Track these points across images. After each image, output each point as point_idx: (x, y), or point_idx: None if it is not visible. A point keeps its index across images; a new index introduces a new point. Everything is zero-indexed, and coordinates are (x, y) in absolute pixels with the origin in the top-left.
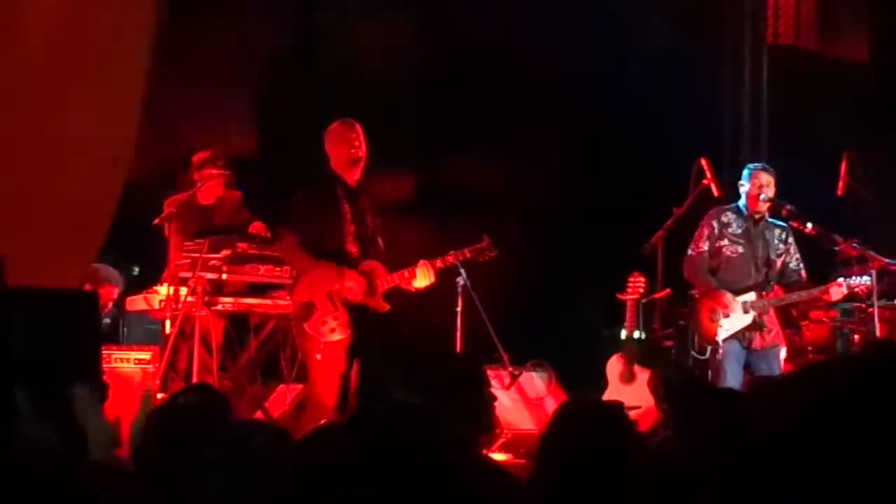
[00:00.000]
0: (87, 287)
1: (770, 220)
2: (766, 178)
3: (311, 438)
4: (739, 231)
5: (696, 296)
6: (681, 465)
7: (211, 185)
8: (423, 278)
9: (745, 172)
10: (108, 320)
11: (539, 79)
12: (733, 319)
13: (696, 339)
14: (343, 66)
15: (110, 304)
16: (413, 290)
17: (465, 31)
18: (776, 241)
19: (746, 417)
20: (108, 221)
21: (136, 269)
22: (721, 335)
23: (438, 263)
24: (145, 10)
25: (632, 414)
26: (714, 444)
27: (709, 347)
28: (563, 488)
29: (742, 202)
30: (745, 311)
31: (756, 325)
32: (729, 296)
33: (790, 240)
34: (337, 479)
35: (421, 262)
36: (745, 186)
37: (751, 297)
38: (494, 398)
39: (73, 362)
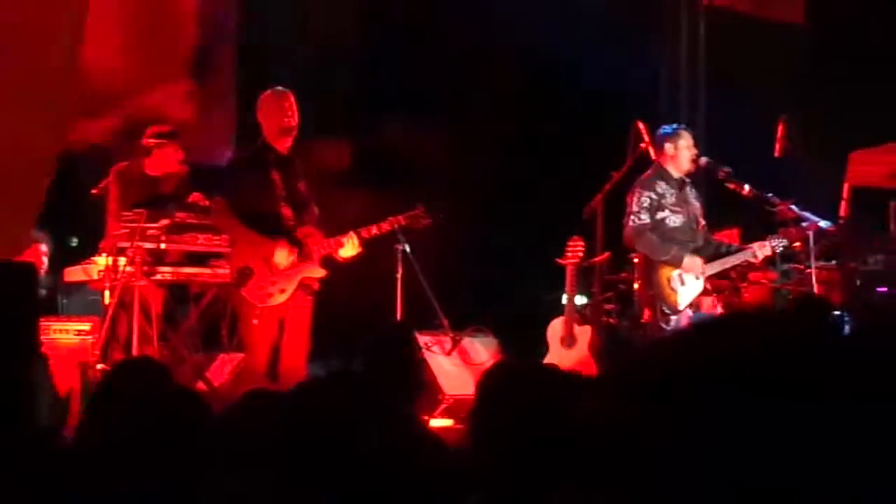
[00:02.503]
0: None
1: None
2: (692, 139)
3: (242, 406)
4: (674, 199)
5: (654, 265)
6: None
7: (164, 159)
8: (350, 248)
9: (667, 135)
10: (43, 291)
11: (476, 47)
12: (689, 287)
13: (658, 308)
14: (282, 33)
15: (45, 262)
16: (340, 259)
17: None
18: (695, 202)
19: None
20: (43, 192)
21: (75, 241)
22: (682, 303)
23: (373, 230)
24: None
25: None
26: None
27: (673, 317)
28: (495, 452)
29: (668, 166)
30: (696, 278)
31: (705, 290)
32: (698, 260)
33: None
34: (270, 449)
35: (350, 232)
36: (671, 149)
37: (698, 262)
38: (424, 363)
39: (10, 335)
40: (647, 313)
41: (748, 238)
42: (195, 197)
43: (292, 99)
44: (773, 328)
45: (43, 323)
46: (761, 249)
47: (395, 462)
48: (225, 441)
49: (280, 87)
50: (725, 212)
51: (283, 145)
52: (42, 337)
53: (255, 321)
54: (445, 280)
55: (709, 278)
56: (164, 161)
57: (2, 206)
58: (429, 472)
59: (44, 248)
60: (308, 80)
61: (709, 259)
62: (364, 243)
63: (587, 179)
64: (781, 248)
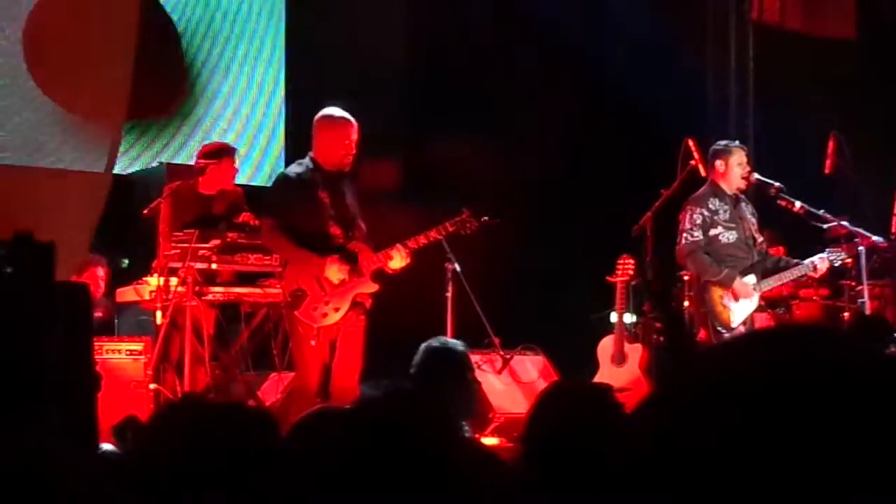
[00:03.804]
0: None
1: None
2: (744, 156)
3: (306, 425)
4: (728, 216)
5: (706, 282)
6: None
7: (218, 177)
8: (398, 260)
9: (718, 151)
10: (99, 313)
11: (524, 63)
12: (743, 304)
13: (711, 326)
14: (331, 49)
15: (102, 285)
16: (390, 271)
17: (451, 15)
18: (751, 217)
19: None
20: (98, 215)
21: (126, 262)
22: (735, 321)
23: (421, 240)
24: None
25: (622, 395)
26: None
27: (727, 335)
28: (548, 471)
29: (720, 183)
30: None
31: (759, 307)
32: (745, 283)
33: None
34: (334, 467)
35: (398, 245)
36: (723, 166)
37: (752, 279)
38: (479, 383)
39: (66, 354)
40: (700, 332)
41: (794, 256)
42: (245, 217)
43: (356, 130)
44: (829, 345)
45: (96, 343)
46: (821, 263)
47: (453, 479)
48: (292, 461)
49: (343, 113)
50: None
51: (333, 167)
52: (95, 357)
53: (312, 342)
54: (495, 299)
55: (764, 294)
56: (219, 178)
57: (59, 224)
58: (485, 490)
59: (101, 271)
60: (354, 96)
61: (765, 274)
62: (413, 254)
63: (636, 197)
64: (839, 263)
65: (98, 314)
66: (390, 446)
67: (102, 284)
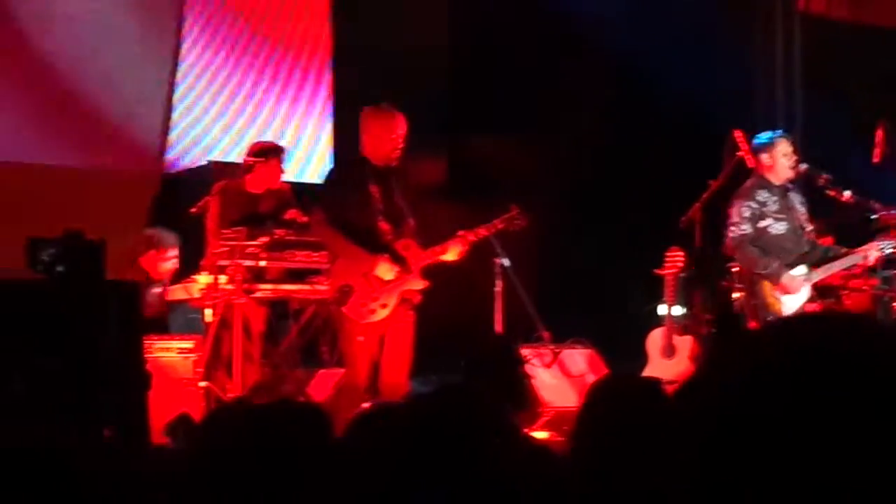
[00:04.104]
0: (153, 253)
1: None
2: (790, 146)
3: (362, 421)
4: (777, 207)
5: (756, 275)
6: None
7: (266, 176)
8: (454, 252)
9: (764, 143)
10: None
11: (567, 56)
12: (794, 296)
13: (762, 318)
14: (376, 45)
15: (171, 266)
16: (445, 262)
17: (491, 9)
18: (800, 207)
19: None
20: (146, 214)
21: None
22: (787, 312)
23: (470, 237)
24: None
25: (671, 388)
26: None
27: None
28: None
29: (768, 174)
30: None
31: (810, 298)
32: (793, 276)
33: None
34: (390, 458)
35: (454, 238)
36: (769, 158)
37: (803, 270)
38: (530, 377)
39: (117, 353)
40: (751, 323)
41: (843, 246)
42: (293, 214)
43: (403, 124)
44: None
45: (146, 341)
46: (872, 252)
47: (508, 474)
48: (347, 456)
49: (390, 108)
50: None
51: (381, 162)
52: (145, 355)
53: (360, 338)
54: (543, 293)
55: (814, 286)
56: (267, 177)
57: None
58: (539, 484)
59: (172, 252)
60: (399, 93)
61: (816, 264)
62: (469, 247)
63: (683, 189)
64: (890, 251)
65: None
66: (445, 441)
67: (175, 262)
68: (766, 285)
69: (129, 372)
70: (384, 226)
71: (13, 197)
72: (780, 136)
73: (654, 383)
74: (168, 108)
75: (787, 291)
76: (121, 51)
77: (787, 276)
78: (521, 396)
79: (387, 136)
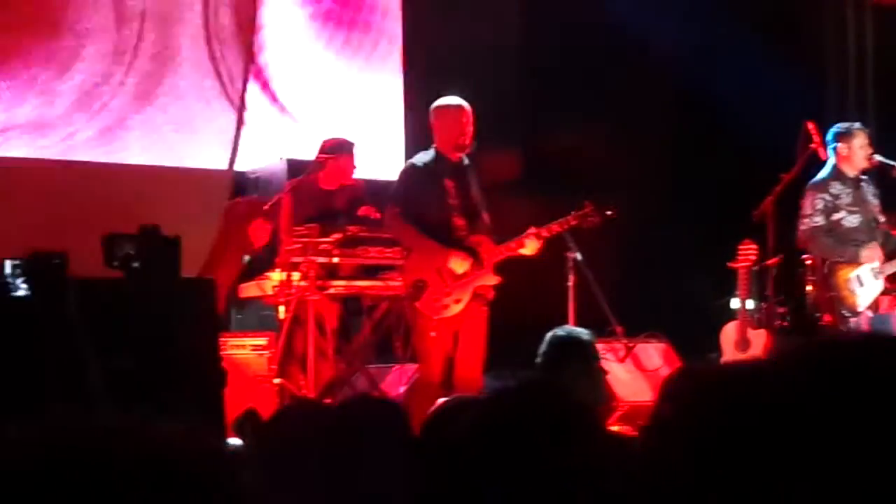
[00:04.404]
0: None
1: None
2: (867, 137)
3: (441, 415)
4: (850, 199)
5: (832, 267)
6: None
7: (338, 172)
8: (531, 247)
9: (840, 134)
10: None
11: (639, 50)
12: (868, 287)
13: (837, 310)
14: (447, 39)
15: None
16: (522, 256)
17: (566, 5)
18: (873, 199)
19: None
20: (220, 212)
21: (247, 257)
22: (861, 305)
23: (543, 233)
24: None
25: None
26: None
27: (853, 319)
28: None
29: (842, 166)
30: (875, 278)
31: (885, 290)
32: (871, 247)
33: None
34: (475, 451)
35: (529, 232)
36: (846, 149)
37: (876, 262)
38: (606, 372)
39: (194, 350)
40: (825, 316)
41: None
42: (366, 210)
43: (469, 114)
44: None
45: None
46: None
47: (593, 469)
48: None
49: (456, 99)
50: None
51: (455, 155)
52: (221, 352)
53: (432, 334)
54: (616, 287)
55: (888, 278)
56: (338, 173)
57: (183, 222)
58: (620, 478)
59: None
60: (471, 87)
61: (889, 256)
62: (545, 242)
63: (756, 182)
64: None
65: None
66: (527, 435)
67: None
68: (842, 277)
69: (205, 368)
70: (458, 221)
71: (90, 196)
72: (858, 128)
73: (737, 371)
74: (242, 105)
75: (870, 263)
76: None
77: (866, 250)
78: (598, 391)
79: (454, 127)
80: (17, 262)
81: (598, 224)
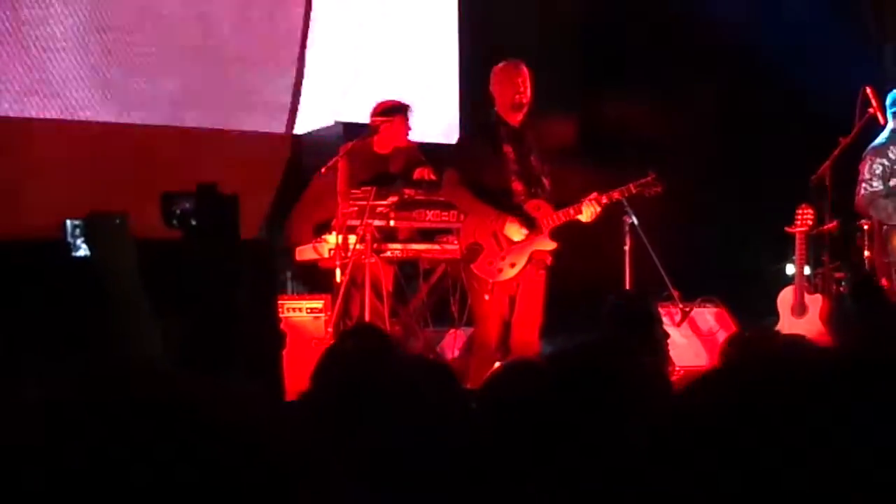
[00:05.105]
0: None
1: None
2: None
3: (502, 377)
4: None
5: (889, 232)
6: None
7: (392, 135)
8: (588, 213)
9: None
10: None
11: (701, 18)
12: None
13: (894, 275)
14: (505, 3)
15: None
16: (581, 222)
17: None
18: None
19: None
20: (279, 176)
21: None
22: None
23: (603, 199)
24: None
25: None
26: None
27: None
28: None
29: None
30: None
31: None
32: None
33: None
34: (534, 416)
35: (593, 194)
36: None
37: None
38: (667, 335)
39: (253, 312)
40: (883, 280)
41: None
42: (422, 172)
43: (526, 73)
44: None
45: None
46: None
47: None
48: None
49: (513, 60)
50: None
51: (515, 119)
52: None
53: (486, 296)
54: (673, 251)
55: None
56: (393, 136)
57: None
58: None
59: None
60: (529, 52)
61: None
62: (604, 208)
63: (814, 146)
64: None
65: None
66: (591, 397)
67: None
68: None
69: (264, 331)
70: (517, 186)
71: (149, 159)
72: None
73: (797, 339)
74: (300, 70)
75: None
76: (253, 15)
77: None
78: (659, 355)
79: (510, 86)
80: (77, 222)
81: (659, 193)
